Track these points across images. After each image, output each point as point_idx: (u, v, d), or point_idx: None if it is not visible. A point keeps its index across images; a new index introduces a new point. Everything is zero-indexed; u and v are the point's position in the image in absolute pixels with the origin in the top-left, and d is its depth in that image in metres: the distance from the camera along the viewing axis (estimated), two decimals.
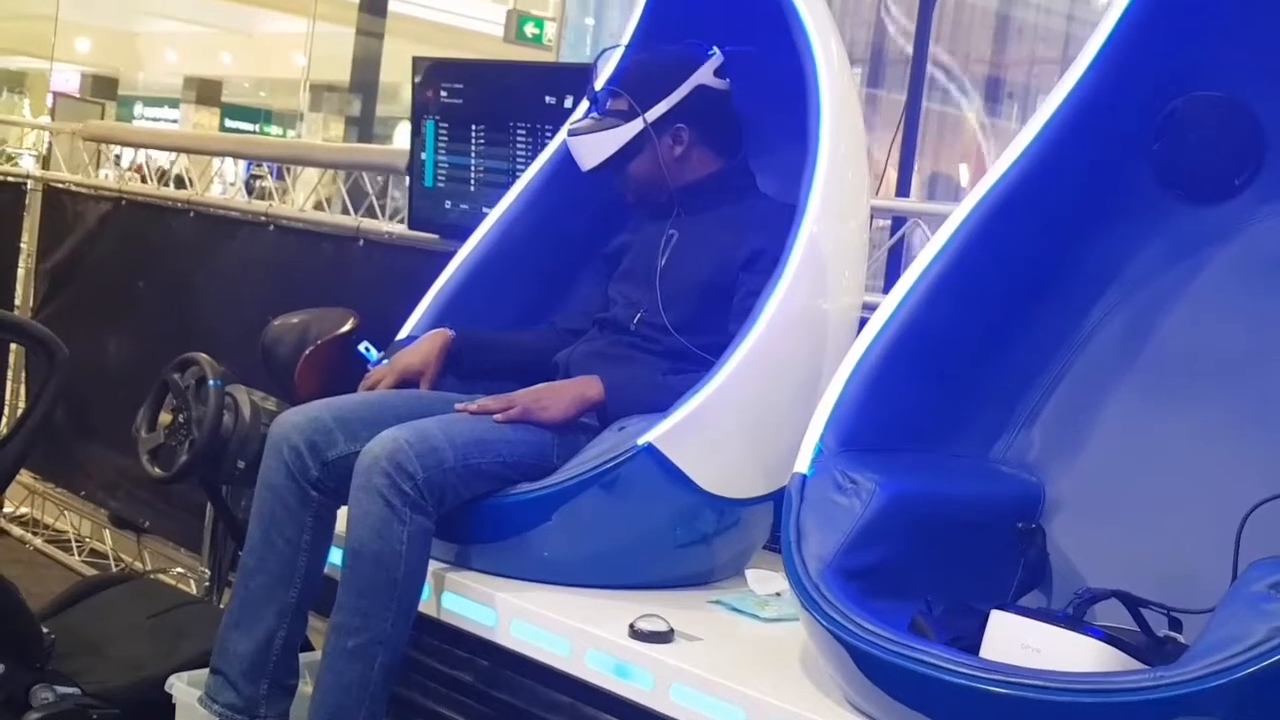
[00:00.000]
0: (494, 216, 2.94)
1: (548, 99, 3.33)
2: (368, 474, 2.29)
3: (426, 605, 2.38)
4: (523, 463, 2.43)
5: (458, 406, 2.49)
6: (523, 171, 3.09)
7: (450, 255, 2.92)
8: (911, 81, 4.09)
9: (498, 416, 2.45)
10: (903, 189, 4.10)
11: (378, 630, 2.28)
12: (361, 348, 2.79)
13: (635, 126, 2.63)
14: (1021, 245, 2.34)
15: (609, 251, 2.83)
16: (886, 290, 3.36)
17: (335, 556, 2.45)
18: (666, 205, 2.71)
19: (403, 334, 2.82)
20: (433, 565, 2.38)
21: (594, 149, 2.68)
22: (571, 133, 2.73)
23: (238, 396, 3.18)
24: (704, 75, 2.66)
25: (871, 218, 2.86)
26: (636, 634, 2.15)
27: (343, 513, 2.41)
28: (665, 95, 2.63)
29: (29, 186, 5.51)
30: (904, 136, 3.96)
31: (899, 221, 3.37)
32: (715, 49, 2.68)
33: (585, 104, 2.82)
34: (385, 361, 2.71)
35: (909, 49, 4.28)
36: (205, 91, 20.10)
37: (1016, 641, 1.88)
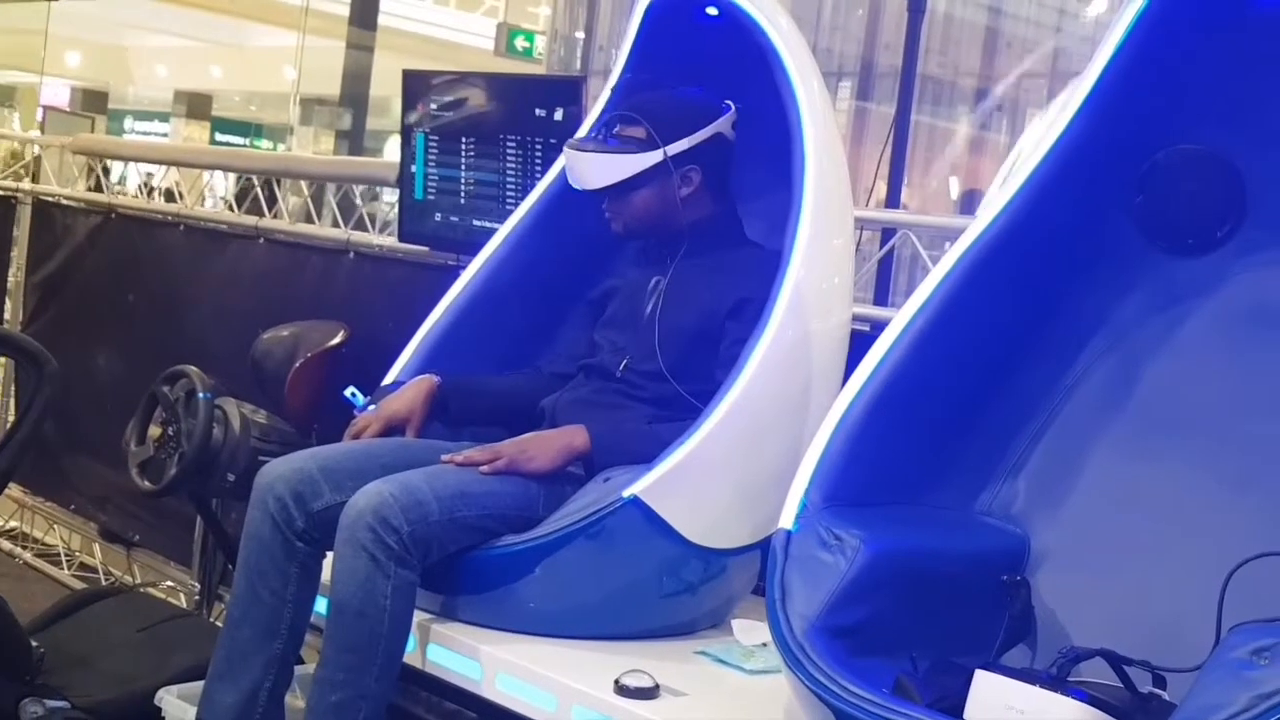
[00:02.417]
0: (480, 260, 2.91)
1: (538, 111, 3.32)
2: (352, 528, 2.28)
3: (412, 657, 2.36)
4: (508, 514, 2.41)
5: (444, 458, 2.46)
6: (512, 184, 3.07)
7: (439, 268, 2.92)
8: (901, 94, 4.10)
9: (484, 469, 2.42)
10: (892, 200, 4.10)
11: (361, 686, 2.26)
12: (348, 393, 2.76)
13: (653, 157, 2.58)
14: (1006, 296, 2.34)
15: (595, 296, 2.80)
16: (877, 302, 3.38)
17: (321, 605, 2.42)
18: (655, 247, 2.69)
19: (389, 379, 2.79)
20: (418, 616, 2.36)
21: (604, 169, 2.60)
22: (577, 147, 2.66)
23: (227, 409, 3.18)
24: (723, 125, 2.64)
25: (860, 230, 2.84)
26: (622, 690, 2.15)
27: (328, 561, 2.39)
28: (688, 134, 2.59)
29: (18, 199, 5.51)
30: (893, 149, 3.96)
31: (888, 233, 3.38)
32: (731, 104, 2.65)
33: (589, 121, 2.79)
34: (371, 408, 2.68)
35: (898, 62, 4.30)
36: (195, 105, 20.09)
37: (1000, 702, 1.87)
